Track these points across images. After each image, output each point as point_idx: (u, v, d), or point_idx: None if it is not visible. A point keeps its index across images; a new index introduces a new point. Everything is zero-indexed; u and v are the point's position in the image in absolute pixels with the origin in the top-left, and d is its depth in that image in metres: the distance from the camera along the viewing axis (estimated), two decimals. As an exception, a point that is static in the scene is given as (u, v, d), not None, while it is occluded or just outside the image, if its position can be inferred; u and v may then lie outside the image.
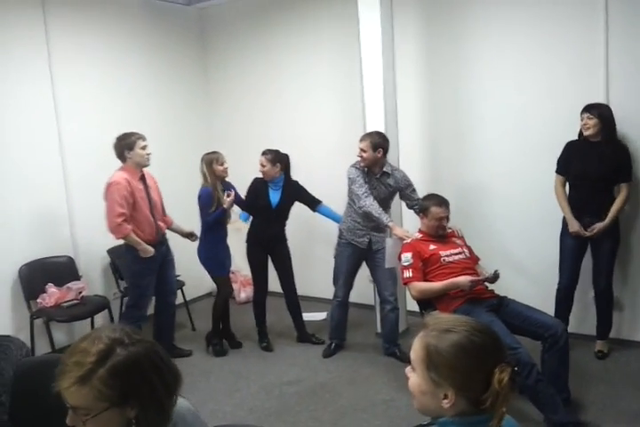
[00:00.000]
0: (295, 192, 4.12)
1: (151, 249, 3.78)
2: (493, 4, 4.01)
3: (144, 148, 3.71)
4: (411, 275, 3.25)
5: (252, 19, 5.20)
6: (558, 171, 3.66)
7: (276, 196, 4.06)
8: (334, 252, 4.03)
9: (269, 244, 4.16)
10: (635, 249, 3.78)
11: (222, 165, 3.93)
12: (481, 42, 4.10)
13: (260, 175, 4.08)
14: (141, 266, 3.83)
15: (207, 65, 5.56)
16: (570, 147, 3.60)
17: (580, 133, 3.55)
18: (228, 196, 3.89)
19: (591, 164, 3.46)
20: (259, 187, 4.07)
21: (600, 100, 3.61)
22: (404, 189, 3.84)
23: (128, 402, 1.17)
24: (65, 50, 4.35)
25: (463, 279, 3.09)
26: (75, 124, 4.41)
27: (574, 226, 3.57)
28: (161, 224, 3.96)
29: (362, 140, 3.72)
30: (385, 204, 3.83)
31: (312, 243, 4.31)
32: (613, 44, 3.61)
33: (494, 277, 3.14)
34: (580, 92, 3.71)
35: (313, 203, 4.17)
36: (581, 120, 3.48)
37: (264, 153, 4.00)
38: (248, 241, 4.20)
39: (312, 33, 4.87)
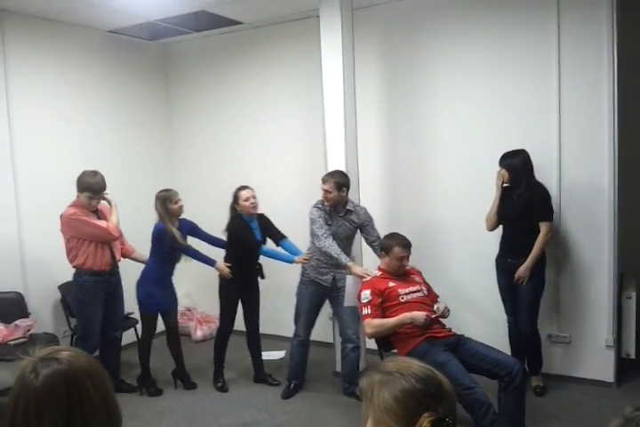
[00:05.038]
0: (265, 226, 4.11)
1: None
2: (451, 50, 4.18)
3: (90, 198, 3.68)
4: (369, 311, 3.24)
5: (215, 55, 5.27)
6: None
7: (257, 232, 4.03)
8: (296, 290, 3.99)
9: (247, 281, 4.09)
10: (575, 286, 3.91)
11: (176, 203, 3.90)
12: (439, 86, 4.25)
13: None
14: (87, 295, 3.78)
15: (170, 100, 5.56)
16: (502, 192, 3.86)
17: None
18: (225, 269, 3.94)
19: (507, 206, 3.75)
20: (244, 224, 3.97)
21: (553, 147, 3.86)
22: (366, 225, 3.88)
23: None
24: (23, 82, 4.28)
25: (419, 313, 3.11)
26: (30, 159, 4.31)
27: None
28: (117, 253, 3.92)
29: (325, 181, 3.72)
30: (348, 241, 3.87)
31: (273, 279, 4.26)
32: (565, 90, 3.80)
33: (442, 312, 3.19)
34: (533, 137, 3.89)
35: (279, 237, 4.15)
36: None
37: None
38: (225, 278, 4.02)
39: (276, 71, 4.94)
